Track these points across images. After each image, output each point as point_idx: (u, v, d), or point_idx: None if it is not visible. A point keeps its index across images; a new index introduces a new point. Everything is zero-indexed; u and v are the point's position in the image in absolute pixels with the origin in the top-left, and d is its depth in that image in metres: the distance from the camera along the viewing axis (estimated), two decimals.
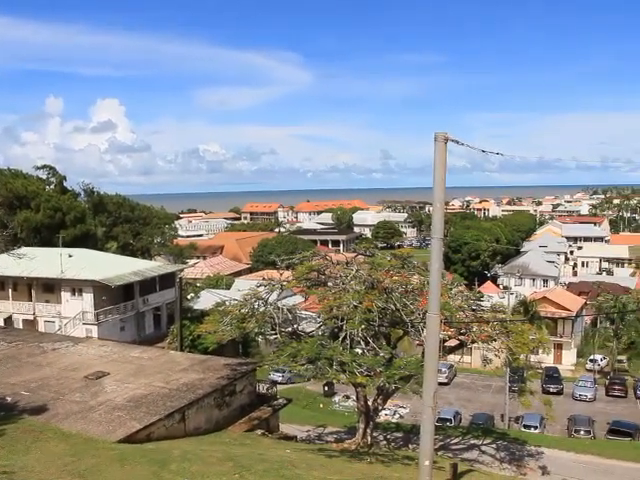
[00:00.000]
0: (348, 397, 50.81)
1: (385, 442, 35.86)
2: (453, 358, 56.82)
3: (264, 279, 29.71)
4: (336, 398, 53.83)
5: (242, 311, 27.72)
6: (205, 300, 57.46)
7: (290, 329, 28.88)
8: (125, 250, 75.17)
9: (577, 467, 33.24)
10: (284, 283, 28.68)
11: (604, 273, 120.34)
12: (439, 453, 31.02)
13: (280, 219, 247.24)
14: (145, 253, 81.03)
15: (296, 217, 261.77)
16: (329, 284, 28.31)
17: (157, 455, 17.36)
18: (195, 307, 58.98)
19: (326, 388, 53.48)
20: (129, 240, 79.35)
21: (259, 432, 25.74)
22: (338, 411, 50.82)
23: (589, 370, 65.74)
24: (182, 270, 67.59)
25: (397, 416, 48.77)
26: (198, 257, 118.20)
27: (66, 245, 56.76)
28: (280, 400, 29.78)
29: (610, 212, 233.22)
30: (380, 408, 30.59)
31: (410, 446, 33.63)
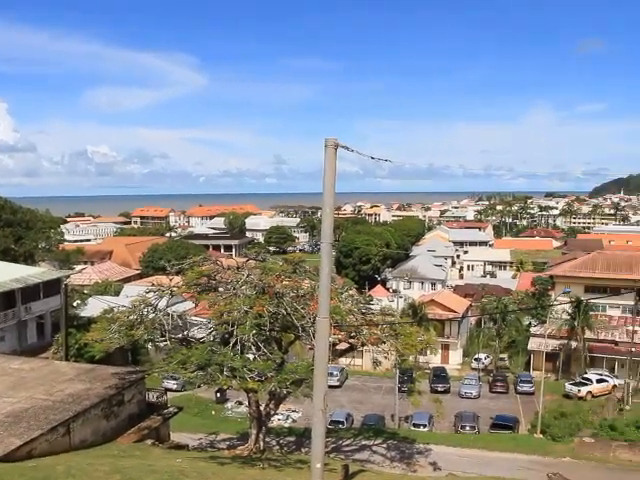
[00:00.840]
0: (240, 403, 50.49)
1: (278, 447, 35.98)
2: (344, 361, 57.52)
3: (153, 285, 29.14)
4: (228, 404, 53.33)
5: (131, 318, 27.10)
6: (92, 307, 55.51)
7: (180, 335, 28.51)
8: (6, 256, 71.34)
9: (462, 461, 34.75)
10: (174, 289, 28.24)
11: (488, 276, 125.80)
12: (331, 455, 31.50)
13: (171, 224, 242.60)
14: (28, 259, 77.27)
15: (188, 222, 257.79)
16: (220, 289, 28.13)
17: (38, 473, 16.56)
18: (82, 314, 56.89)
19: (218, 395, 52.85)
20: (10, 245, 75.38)
21: (149, 442, 25.17)
22: (230, 417, 50.37)
23: (474, 369, 68.38)
24: (68, 276, 64.82)
25: (290, 420, 48.89)
26: (85, 263, 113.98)
27: None
28: (171, 408, 29.23)
29: (494, 218, 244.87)
30: (272, 413, 30.66)
31: (303, 450, 33.90)
